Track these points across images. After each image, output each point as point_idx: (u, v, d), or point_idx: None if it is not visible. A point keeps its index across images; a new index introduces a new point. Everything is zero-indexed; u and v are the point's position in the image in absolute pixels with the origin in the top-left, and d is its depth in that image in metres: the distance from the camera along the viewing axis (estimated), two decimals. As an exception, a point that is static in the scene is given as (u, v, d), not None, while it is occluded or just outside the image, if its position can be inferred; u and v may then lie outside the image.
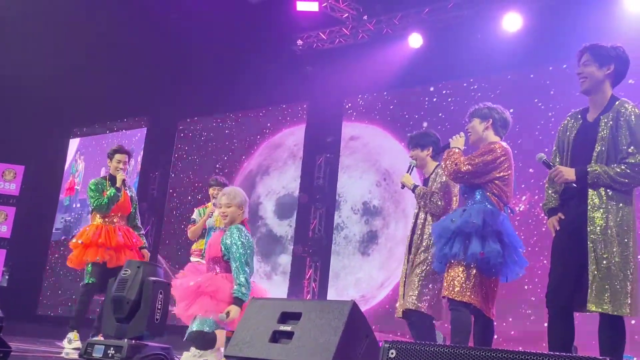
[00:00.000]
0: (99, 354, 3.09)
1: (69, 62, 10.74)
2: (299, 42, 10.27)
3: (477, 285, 3.55)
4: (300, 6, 9.24)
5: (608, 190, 3.17)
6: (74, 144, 13.58)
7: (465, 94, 9.06)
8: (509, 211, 3.79)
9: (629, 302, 3.02)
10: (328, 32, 10.11)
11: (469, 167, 3.63)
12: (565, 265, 3.24)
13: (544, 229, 8.24)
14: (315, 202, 10.36)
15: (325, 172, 10.47)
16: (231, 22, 9.81)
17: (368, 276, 9.61)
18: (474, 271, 3.56)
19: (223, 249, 4.20)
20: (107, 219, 5.83)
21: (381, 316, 9.02)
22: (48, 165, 13.09)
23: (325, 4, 9.41)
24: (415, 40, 9.27)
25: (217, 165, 11.53)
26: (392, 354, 2.25)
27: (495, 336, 7.83)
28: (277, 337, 3.01)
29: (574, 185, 3.23)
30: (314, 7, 9.23)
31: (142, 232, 6.15)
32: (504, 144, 3.77)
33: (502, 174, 3.68)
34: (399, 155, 9.67)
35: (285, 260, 10.40)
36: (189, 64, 10.92)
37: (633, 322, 6.51)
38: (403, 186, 4.43)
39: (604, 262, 3.06)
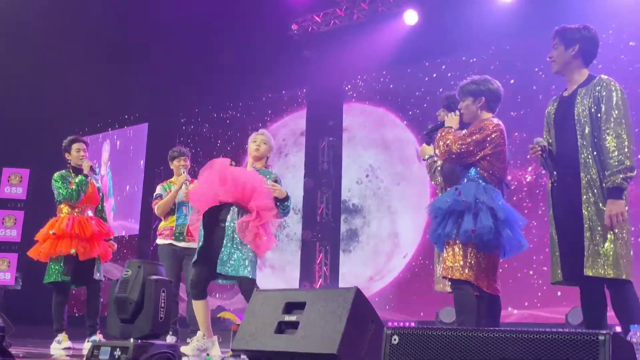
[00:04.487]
0: (105, 356, 3.07)
1: (68, 63, 10.69)
2: (294, 26, 10.18)
3: (475, 262, 3.53)
4: (293, -10, 9.16)
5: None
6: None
7: (464, 67, 8.94)
8: (505, 187, 3.75)
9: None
10: (322, 14, 10.01)
11: (461, 146, 3.60)
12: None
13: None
14: (321, 186, 10.33)
15: (329, 155, 10.42)
16: (225, 12, 9.72)
17: (352, 271, 9.69)
18: (470, 249, 3.53)
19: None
20: (76, 210, 5.62)
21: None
22: (52, 167, 13.05)
23: (317, -14, 9.32)
24: (410, 17, 9.17)
25: (221, 156, 11.48)
26: (394, 340, 2.21)
27: (510, 309, 7.81)
28: (282, 328, 2.99)
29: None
30: (306, -10, 9.15)
31: (109, 224, 5.95)
32: (496, 120, 3.71)
33: (494, 150, 3.64)
34: (392, 143, 9.61)
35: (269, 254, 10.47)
36: (186, 55, 10.85)
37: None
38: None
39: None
